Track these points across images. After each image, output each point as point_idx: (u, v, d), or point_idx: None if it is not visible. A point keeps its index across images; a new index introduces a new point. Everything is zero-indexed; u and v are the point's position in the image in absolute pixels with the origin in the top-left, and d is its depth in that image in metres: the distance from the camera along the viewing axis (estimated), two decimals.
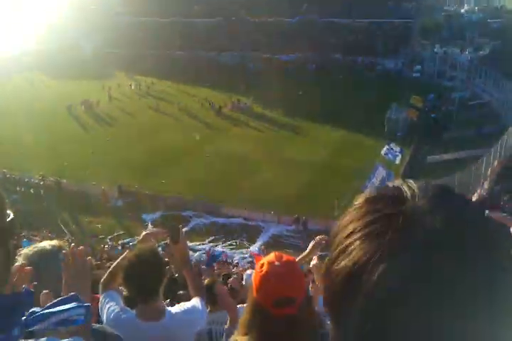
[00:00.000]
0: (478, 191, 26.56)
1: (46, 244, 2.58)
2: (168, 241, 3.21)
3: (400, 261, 0.61)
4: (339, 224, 0.73)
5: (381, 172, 26.97)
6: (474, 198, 25.68)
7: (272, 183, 27.75)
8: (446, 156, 30.18)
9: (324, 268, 0.72)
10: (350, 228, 0.69)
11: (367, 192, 0.74)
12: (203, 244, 23.38)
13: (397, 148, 30.83)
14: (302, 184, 27.97)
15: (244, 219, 26.02)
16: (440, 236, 0.63)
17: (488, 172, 27.66)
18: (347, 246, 0.67)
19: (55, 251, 2.49)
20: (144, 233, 3.35)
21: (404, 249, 0.62)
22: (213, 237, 24.36)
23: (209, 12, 68.41)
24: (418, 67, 55.38)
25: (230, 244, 23.81)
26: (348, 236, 0.68)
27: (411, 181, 0.75)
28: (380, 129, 35.27)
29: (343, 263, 0.66)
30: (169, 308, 3.06)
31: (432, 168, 28.57)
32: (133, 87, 52.65)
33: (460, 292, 0.60)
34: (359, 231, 0.67)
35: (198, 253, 21.31)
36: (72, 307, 1.28)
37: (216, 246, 23.58)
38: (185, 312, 3.05)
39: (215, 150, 33.88)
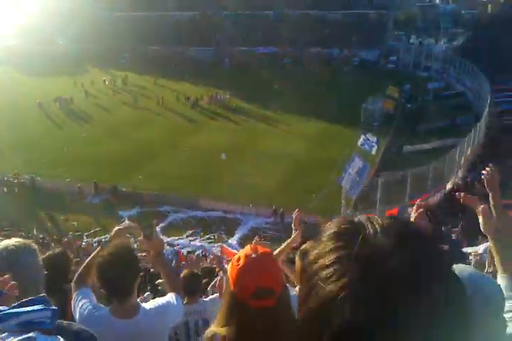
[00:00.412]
0: (453, 179, 26.97)
1: (10, 241, 2.48)
2: (142, 237, 3.15)
3: (359, 303, 0.65)
4: (311, 256, 0.78)
5: (357, 163, 27.05)
6: (449, 186, 26.06)
7: (250, 176, 27.72)
8: (421, 146, 30.46)
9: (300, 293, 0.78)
10: (318, 265, 0.74)
11: (335, 222, 0.79)
12: (181, 239, 23.28)
13: (374, 139, 30.96)
14: (280, 176, 28.02)
15: (224, 211, 25.96)
16: (397, 278, 0.66)
17: (462, 160, 28.09)
18: (314, 285, 0.73)
19: (20, 249, 2.40)
20: (116, 228, 3.28)
21: (362, 291, 0.66)
22: (191, 231, 24.27)
23: (184, 6, 67.86)
24: (394, 58, 55.76)
25: (209, 238, 23.75)
26: (316, 272, 0.73)
27: (375, 218, 0.78)
28: (357, 120, 35.46)
29: (313, 300, 0.72)
30: (143, 304, 3.02)
31: (408, 158, 28.84)
32: (107, 83, 51.98)
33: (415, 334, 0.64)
34: (324, 269, 0.72)
35: (176, 247, 21.20)
36: (39, 310, 1.21)
37: (194, 240, 23.50)
38: (159, 307, 3.00)
39: (193, 144, 33.70)
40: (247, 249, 1.80)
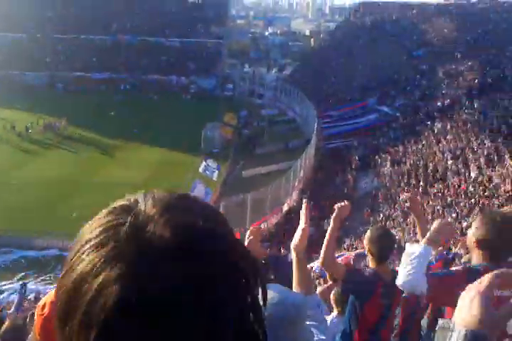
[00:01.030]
0: (289, 200, 28.67)
1: None
2: None
3: (117, 270, 0.61)
4: (77, 237, 0.71)
5: (200, 189, 27.40)
6: (286, 207, 27.45)
7: (87, 208, 26.30)
8: (259, 170, 31.89)
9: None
10: (83, 240, 0.67)
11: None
12: (11, 283, 21.08)
13: (214, 164, 31.72)
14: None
15: (60, 249, 24.15)
16: (161, 246, 0.62)
17: (296, 182, 30.09)
18: (75, 260, 0.66)
19: None
20: None
21: (123, 258, 0.62)
22: (23, 274, 22.15)
23: (12, 27, 62.57)
24: (230, 85, 58.07)
25: (44, 280, 21.87)
26: (79, 249, 0.67)
27: (152, 192, 0.75)
28: (197, 147, 35.99)
29: (69, 275, 0.65)
30: None
31: (248, 182, 29.95)
32: None
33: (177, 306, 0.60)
34: (88, 242, 0.66)
35: (5, 294, 19.12)
36: None
37: (28, 282, 21.45)
38: None
39: (25, 176, 31.08)
40: (52, 294, 1.59)
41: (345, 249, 19.95)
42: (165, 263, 0.62)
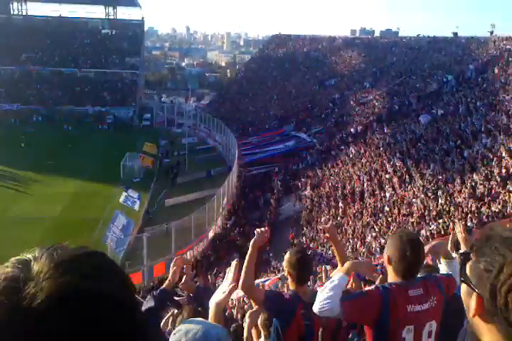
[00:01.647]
0: (214, 227, 28.56)
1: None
2: None
3: None
4: None
5: (121, 220, 26.68)
6: (211, 234, 27.30)
7: (4, 244, 24.64)
8: (182, 198, 31.61)
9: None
10: None
11: None
12: None
13: (135, 195, 31.08)
14: (37, 243, 25.51)
15: None
16: (27, 307, 0.70)
17: (220, 209, 30.10)
18: None
19: None
20: None
21: None
22: None
23: None
24: (148, 115, 57.61)
25: None
26: None
27: (56, 248, 0.80)
28: (117, 177, 35.09)
29: None
30: None
31: (171, 211, 29.53)
32: None
33: None
34: None
35: None
36: None
37: None
38: None
39: None
40: None
41: (272, 271, 20.13)
42: (27, 324, 0.67)
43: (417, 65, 43.82)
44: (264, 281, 17.74)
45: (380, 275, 3.30)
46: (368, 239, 20.89)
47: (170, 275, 3.38)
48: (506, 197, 16.86)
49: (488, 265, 0.95)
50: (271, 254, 23.22)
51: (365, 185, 26.52)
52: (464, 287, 1.04)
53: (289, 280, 3.40)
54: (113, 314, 0.75)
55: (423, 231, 17.97)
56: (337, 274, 2.72)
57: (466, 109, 28.00)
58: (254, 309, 4.68)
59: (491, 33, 41.27)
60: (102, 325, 0.72)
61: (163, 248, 23.54)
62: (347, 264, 2.79)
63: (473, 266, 1.00)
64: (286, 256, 3.36)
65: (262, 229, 3.26)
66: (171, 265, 3.45)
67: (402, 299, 2.58)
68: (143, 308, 3.13)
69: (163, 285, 3.34)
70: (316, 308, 2.60)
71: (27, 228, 26.33)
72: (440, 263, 3.10)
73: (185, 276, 3.43)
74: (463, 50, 41.22)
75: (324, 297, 2.58)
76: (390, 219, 21.39)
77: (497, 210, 16.37)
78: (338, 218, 24.65)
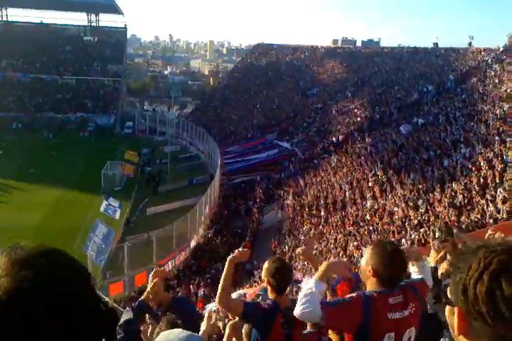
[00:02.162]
0: (195, 236, 28.41)
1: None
2: None
3: None
4: None
5: (102, 229, 26.36)
6: (193, 243, 27.17)
7: None
8: (163, 207, 31.39)
9: None
10: None
11: None
12: None
13: (116, 203, 30.74)
14: None
15: None
16: None
17: (202, 218, 29.97)
18: None
19: None
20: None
21: None
22: None
23: None
24: (130, 123, 57.26)
25: None
26: None
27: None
28: (98, 186, 34.77)
29: None
30: None
31: (152, 220, 29.29)
32: None
33: None
34: None
35: None
36: None
37: None
38: None
39: None
40: None
41: (255, 281, 20.08)
42: None
43: (398, 75, 44.42)
44: (246, 292, 17.66)
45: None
46: (350, 248, 20.98)
47: (149, 286, 3.36)
48: (485, 207, 17.10)
49: (461, 275, 1.00)
50: (255, 262, 23.13)
51: (346, 194, 26.68)
52: (447, 308, 1.09)
53: (269, 289, 3.41)
54: (71, 308, 0.79)
55: (404, 241, 18.10)
56: (313, 281, 2.75)
57: (446, 119, 28.42)
58: (234, 320, 4.67)
59: (470, 44, 42.07)
60: (60, 319, 0.77)
61: (145, 257, 23.32)
62: (322, 267, 2.80)
63: (451, 283, 1.04)
64: (265, 266, 3.39)
65: (242, 249, 3.33)
66: (150, 276, 3.43)
67: (383, 307, 2.60)
68: (121, 320, 3.11)
69: (142, 297, 3.31)
70: (296, 312, 2.63)
71: (5, 237, 25.90)
72: (413, 265, 3.16)
73: (153, 289, 3.40)
74: (443, 60, 41.94)
75: (303, 301, 2.61)
76: (371, 228, 21.52)
77: (476, 220, 16.58)
78: (320, 227, 24.72)
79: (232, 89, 67.14)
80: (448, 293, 1.07)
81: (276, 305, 3.25)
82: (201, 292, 20.63)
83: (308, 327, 3.66)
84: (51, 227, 27.72)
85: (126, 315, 3.10)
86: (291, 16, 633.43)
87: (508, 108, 24.57)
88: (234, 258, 3.24)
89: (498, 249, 0.98)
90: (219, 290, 3.21)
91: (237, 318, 4.65)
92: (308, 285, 2.68)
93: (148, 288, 3.33)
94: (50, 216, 29.75)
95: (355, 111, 41.18)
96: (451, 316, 1.05)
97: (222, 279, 3.22)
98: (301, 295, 2.66)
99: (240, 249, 3.31)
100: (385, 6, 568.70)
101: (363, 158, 30.01)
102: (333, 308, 2.61)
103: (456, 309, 1.02)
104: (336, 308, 2.63)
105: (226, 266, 3.28)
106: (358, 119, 38.74)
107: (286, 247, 24.80)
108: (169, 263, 24.63)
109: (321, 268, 2.78)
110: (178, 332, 1.95)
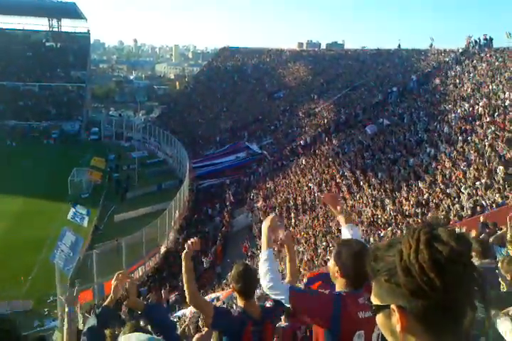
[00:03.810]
0: (166, 242, 28.16)
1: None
2: None
3: None
4: None
5: (69, 237, 25.81)
6: (163, 248, 26.85)
7: None
8: (132, 213, 31.03)
9: None
10: None
11: None
12: None
13: (84, 211, 30.18)
14: None
15: None
16: None
17: (172, 223, 29.73)
18: None
19: None
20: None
21: None
22: None
23: None
24: (95, 129, 56.45)
25: None
26: None
27: None
28: (65, 193, 34.12)
29: None
30: None
31: (121, 226, 28.91)
32: None
33: None
34: None
35: None
36: None
37: None
38: None
39: None
40: None
41: (226, 284, 20.01)
42: None
43: (362, 76, 45.08)
44: (218, 296, 17.58)
45: None
46: (320, 248, 21.14)
47: (111, 291, 3.31)
48: (449, 204, 17.51)
49: (391, 266, 1.09)
50: (229, 261, 22.95)
51: (315, 195, 26.90)
52: (379, 318, 1.15)
53: (237, 296, 3.39)
54: None
55: (372, 239, 18.36)
56: (264, 251, 2.87)
57: (410, 119, 28.99)
58: (204, 331, 4.65)
59: (431, 45, 43.03)
60: None
61: (114, 264, 22.92)
62: (262, 235, 2.95)
63: (382, 286, 1.12)
64: (232, 271, 3.37)
65: (192, 239, 3.28)
66: (113, 281, 3.38)
67: (352, 305, 2.63)
68: (85, 327, 3.06)
69: (105, 303, 3.27)
70: (263, 285, 2.70)
71: None
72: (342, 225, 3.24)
73: (129, 294, 3.35)
74: (405, 61, 42.79)
75: (263, 272, 2.71)
76: (340, 228, 21.71)
77: (441, 216, 16.95)
78: (291, 228, 24.82)
79: (198, 93, 66.92)
80: (373, 300, 1.16)
81: (246, 314, 3.24)
82: (173, 298, 20.42)
83: (282, 321, 3.67)
84: (16, 238, 27.06)
85: (90, 322, 3.06)
86: (256, 20, 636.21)
87: (469, 107, 25.26)
88: (187, 252, 3.23)
89: (418, 226, 1.11)
90: (186, 290, 3.20)
91: (203, 332, 4.63)
92: (261, 257, 2.80)
93: (111, 293, 3.28)
94: (15, 226, 29.05)
95: (322, 112, 41.59)
96: (388, 321, 1.12)
97: (185, 279, 3.20)
98: (261, 268, 2.76)
99: (190, 241, 3.27)
100: (349, 8, 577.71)
101: (330, 159, 30.31)
102: (301, 294, 2.68)
103: (393, 308, 1.09)
104: (304, 295, 2.70)
105: (183, 263, 3.26)
106: (325, 121, 39.13)
107: (258, 250, 24.82)
108: (139, 269, 24.34)
109: (262, 234, 2.92)
110: (138, 335, 1.96)
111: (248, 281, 3.26)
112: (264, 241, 2.87)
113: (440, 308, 1.05)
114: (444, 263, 1.04)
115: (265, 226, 2.95)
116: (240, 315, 3.22)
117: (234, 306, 3.63)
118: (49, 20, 71.43)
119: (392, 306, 1.10)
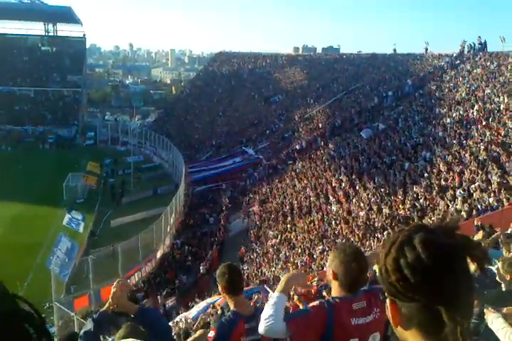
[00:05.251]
0: (162, 247, 28.08)
1: None
2: None
3: None
4: None
5: (65, 243, 25.78)
6: (159, 254, 26.80)
7: None
8: (128, 218, 30.94)
9: None
10: None
11: None
12: None
13: (79, 216, 30.19)
14: None
15: None
16: None
17: (168, 228, 29.66)
18: None
19: None
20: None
21: None
22: None
23: None
24: (91, 134, 56.36)
25: None
26: None
27: None
28: (60, 199, 34.01)
29: None
30: None
31: (117, 231, 28.83)
32: None
33: None
34: None
35: None
36: None
37: None
38: None
39: None
40: None
41: None
42: None
43: (357, 80, 45.21)
44: (215, 301, 17.53)
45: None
46: (317, 253, 21.12)
47: (110, 297, 3.31)
48: (445, 208, 17.52)
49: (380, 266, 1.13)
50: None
51: (311, 199, 26.89)
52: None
53: (227, 297, 3.39)
54: None
55: (368, 243, 18.36)
56: (275, 293, 2.75)
57: (405, 123, 29.05)
58: (195, 336, 4.62)
59: (426, 50, 43.21)
60: None
61: (110, 270, 22.87)
62: (282, 281, 2.80)
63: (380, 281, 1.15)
64: (216, 274, 3.39)
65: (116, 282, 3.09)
66: (112, 287, 3.38)
67: (346, 313, 2.61)
68: (82, 331, 3.06)
69: (103, 308, 3.27)
70: (261, 328, 2.62)
71: None
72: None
73: (113, 299, 3.34)
74: (401, 66, 42.95)
75: (265, 316, 2.61)
76: (336, 232, 21.74)
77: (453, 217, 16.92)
78: (287, 233, 24.81)
79: (194, 98, 66.96)
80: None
81: (236, 314, 3.24)
82: (169, 303, 20.37)
83: None
84: (12, 243, 26.90)
85: (87, 326, 3.06)
86: (253, 24, 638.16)
87: (464, 111, 25.35)
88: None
89: (404, 228, 1.14)
90: None
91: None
92: (271, 300, 2.70)
93: (110, 299, 3.28)
94: (11, 231, 28.90)
95: (318, 117, 41.66)
96: (386, 310, 1.16)
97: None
98: (265, 310, 2.66)
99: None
100: (345, 13, 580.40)
101: (326, 163, 30.33)
102: (297, 320, 2.62)
103: (387, 302, 1.13)
104: (300, 319, 2.64)
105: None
106: (321, 125, 39.19)
107: (254, 254, 24.79)
108: (135, 275, 24.25)
109: (282, 283, 2.79)
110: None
111: (233, 276, 3.28)
112: (282, 285, 2.77)
113: (422, 310, 1.06)
114: (405, 267, 1.05)
115: (293, 279, 2.85)
116: (231, 318, 3.23)
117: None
118: (45, 24, 71.41)
119: (387, 301, 1.13)
